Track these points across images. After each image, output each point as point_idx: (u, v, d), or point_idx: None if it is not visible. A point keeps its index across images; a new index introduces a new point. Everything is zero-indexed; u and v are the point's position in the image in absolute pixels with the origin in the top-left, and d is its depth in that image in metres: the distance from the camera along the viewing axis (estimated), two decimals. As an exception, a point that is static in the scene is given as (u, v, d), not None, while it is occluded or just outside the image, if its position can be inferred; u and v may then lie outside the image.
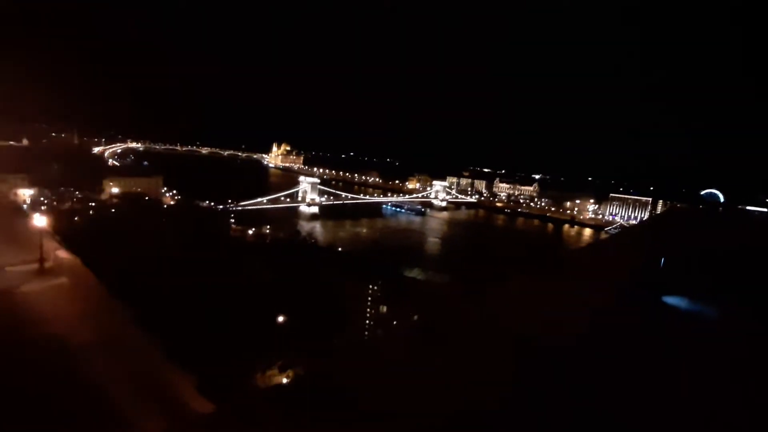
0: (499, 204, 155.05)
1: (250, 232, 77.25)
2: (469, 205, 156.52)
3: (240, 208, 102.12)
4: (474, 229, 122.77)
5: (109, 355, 7.13)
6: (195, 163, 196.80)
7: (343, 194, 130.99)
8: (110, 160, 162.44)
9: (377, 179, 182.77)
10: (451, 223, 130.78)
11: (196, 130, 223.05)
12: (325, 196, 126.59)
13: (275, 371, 24.18)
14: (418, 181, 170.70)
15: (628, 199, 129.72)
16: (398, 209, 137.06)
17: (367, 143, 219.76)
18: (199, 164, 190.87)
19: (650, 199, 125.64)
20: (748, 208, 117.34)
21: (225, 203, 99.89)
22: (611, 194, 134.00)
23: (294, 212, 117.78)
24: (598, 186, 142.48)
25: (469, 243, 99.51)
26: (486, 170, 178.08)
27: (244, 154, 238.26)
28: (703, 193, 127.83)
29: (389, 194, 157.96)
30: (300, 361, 25.16)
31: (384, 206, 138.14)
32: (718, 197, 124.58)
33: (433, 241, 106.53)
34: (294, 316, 35.94)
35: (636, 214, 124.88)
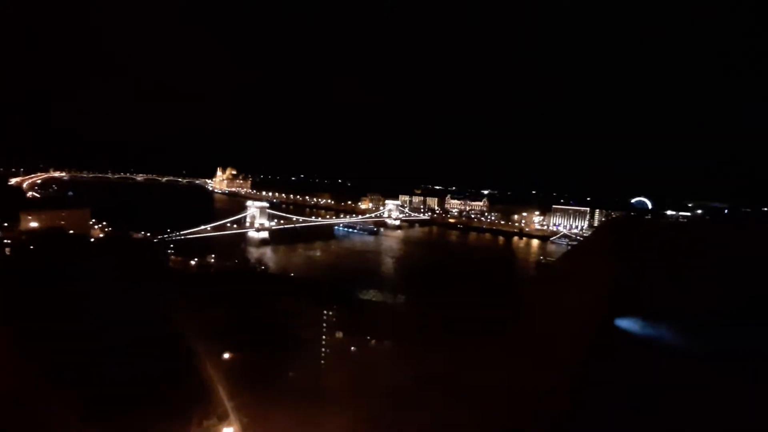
0: (451, 220, 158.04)
1: (193, 262, 71.91)
2: (422, 222, 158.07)
3: (181, 237, 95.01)
4: (429, 245, 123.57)
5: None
6: (129, 191, 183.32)
7: (294, 217, 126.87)
8: (29, 192, 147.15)
9: (329, 201, 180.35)
10: (406, 241, 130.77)
11: (130, 156, 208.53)
12: (275, 221, 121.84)
13: (214, 421, 20.95)
14: (371, 200, 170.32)
15: (568, 209, 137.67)
16: (351, 230, 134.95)
17: (318, 165, 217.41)
18: (134, 192, 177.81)
19: (588, 208, 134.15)
20: (670, 212, 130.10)
21: (163, 233, 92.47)
22: (554, 206, 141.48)
23: (242, 239, 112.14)
24: (541, 198, 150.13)
25: (425, 260, 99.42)
26: (437, 188, 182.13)
27: (185, 180, 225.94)
28: (633, 201, 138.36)
29: (342, 215, 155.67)
30: (245, 406, 22.13)
31: (336, 228, 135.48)
32: (647, 204, 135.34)
33: (388, 261, 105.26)
34: (241, 351, 32.77)
35: (576, 223, 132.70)
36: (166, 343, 25.23)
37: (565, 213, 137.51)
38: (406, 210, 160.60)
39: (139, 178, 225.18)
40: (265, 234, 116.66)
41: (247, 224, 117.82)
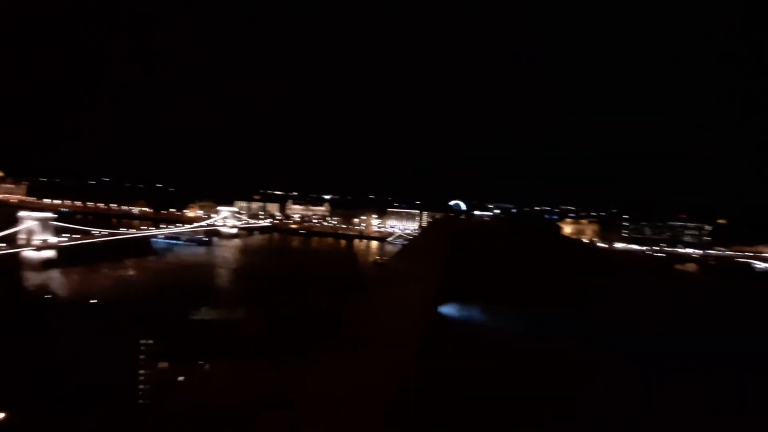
0: (293, 225, 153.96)
1: None
2: (262, 229, 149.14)
3: None
4: (269, 252, 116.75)
5: None
6: None
7: (95, 230, 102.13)
8: None
9: (146, 209, 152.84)
10: (245, 250, 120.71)
11: None
12: (67, 235, 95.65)
13: None
14: (201, 207, 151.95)
15: (401, 212, 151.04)
16: (176, 242, 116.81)
17: (129, 167, 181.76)
18: None
19: (417, 211, 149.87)
20: (478, 212, 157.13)
21: None
22: (389, 209, 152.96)
23: (14, 261, 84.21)
24: (378, 202, 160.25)
25: (266, 268, 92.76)
26: (278, 193, 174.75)
27: None
28: (450, 203, 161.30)
29: (163, 225, 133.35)
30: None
31: (155, 240, 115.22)
32: (461, 206, 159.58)
33: (223, 273, 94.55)
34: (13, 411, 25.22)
35: (409, 225, 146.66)
36: None
37: (399, 215, 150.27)
38: (244, 217, 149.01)
39: None
40: (50, 253, 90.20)
41: (23, 242, 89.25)
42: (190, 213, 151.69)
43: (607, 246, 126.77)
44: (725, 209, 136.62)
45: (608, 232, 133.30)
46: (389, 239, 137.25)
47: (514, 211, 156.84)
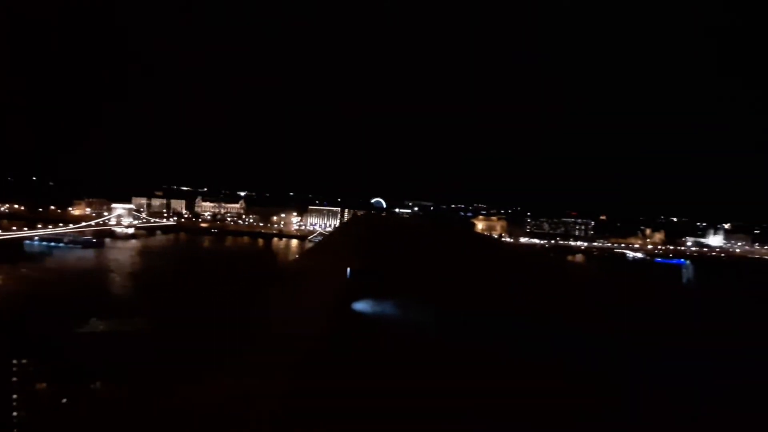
0: (204, 224, 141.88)
1: None
2: (166, 228, 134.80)
3: None
4: (174, 254, 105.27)
5: None
6: None
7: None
8: None
9: (18, 206, 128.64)
10: (144, 252, 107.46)
11: None
12: None
13: None
14: (89, 205, 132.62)
15: (323, 210, 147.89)
16: (56, 244, 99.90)
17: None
18: None
19: (339, 208, 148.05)
20: (398, 210, 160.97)
21: None
22: (309, 206, 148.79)
23: None
24: (298, 200, 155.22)
25: (170, 271, 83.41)
26: (185, 188, 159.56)
27: None
28: (372, 201, 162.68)
29: (41, 226, 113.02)
30: None
31: (29, 242, 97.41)
32: (382, 204, 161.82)
33: (116, 279, 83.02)
34: None
35: (330, 222, 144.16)
36: None
37: (320, 213, 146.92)
38: (144, 215, 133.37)
39: None
40: None
41: None
42: (75, 211, 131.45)
43: (513, 240, 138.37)
44: (605, 207, 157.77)
45: (514, 227, 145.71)
46: (310, 238, 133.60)
47: (432, 208, 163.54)
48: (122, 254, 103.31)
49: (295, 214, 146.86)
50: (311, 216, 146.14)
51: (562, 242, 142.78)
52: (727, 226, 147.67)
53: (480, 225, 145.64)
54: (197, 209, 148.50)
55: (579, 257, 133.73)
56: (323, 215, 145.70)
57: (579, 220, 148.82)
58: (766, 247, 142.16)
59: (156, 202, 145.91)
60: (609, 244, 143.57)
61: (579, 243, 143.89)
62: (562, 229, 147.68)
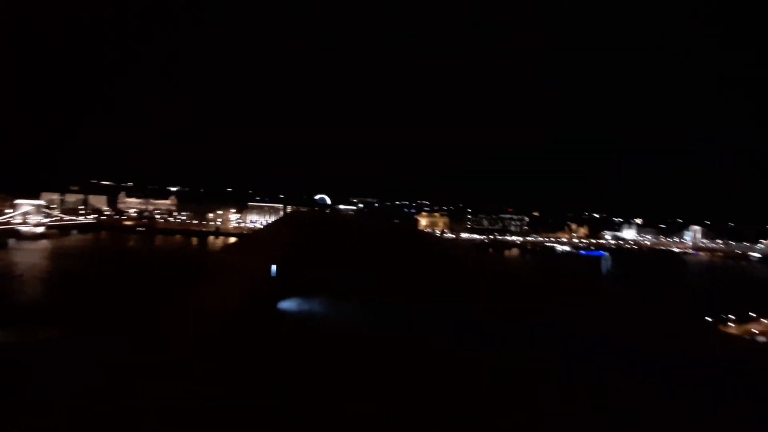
0: (129, 222, 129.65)
1: None
2: (84, 227, 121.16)
3: None
4: (91, 256, 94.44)
5: None
6: None
7: None
8: None
9: None
10: (55, 254, 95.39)
11: None
12: None
13: None
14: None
15: (264, 206, 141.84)
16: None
17: None
18: None
19: (282, 205, 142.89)
20: (343, 207, 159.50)
21: None
22: (249, 203, 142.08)
23: None
24: (237, 196, 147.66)
25: (79, 275, 74.40)
26: (106, 183, 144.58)
27: None
28: (316, 197, 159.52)
29: None
30: None
31: None
32: (326, 200, 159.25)
33: (20, 284, 72.63)
34: None
35: (271, 219, 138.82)
36: None
37: (261, 210, 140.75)
38: (56, 213, 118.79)
39: None
40: None
41: None
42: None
43: (454, 236, 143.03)
44: (538, 204, 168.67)
45: (456, 223, 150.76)
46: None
47: (376, 205, 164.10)
48: (29, 256, 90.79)
49: (233, 210, 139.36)
50: (251, 213, 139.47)
51: (499, 237, 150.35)
52: (638, 221, 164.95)
53: (423, 221, 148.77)
54: (121, 206, 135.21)
55: (515, 251, 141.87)
56: (264, 212, 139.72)
57: (515, 217, 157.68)
58: (668, 239, 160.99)
59: (71, 198, 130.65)
60: (541, 239, 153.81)
61: (515, 238, 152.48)
62: (500, 224, 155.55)
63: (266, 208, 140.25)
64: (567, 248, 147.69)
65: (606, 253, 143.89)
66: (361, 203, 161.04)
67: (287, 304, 4.87)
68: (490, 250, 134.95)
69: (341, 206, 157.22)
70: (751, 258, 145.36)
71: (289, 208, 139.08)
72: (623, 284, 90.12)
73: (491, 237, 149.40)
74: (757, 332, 57.37)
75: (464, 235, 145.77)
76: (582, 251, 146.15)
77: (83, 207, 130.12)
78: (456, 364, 3.59)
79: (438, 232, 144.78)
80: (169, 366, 3.41)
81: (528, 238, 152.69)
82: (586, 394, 3.17)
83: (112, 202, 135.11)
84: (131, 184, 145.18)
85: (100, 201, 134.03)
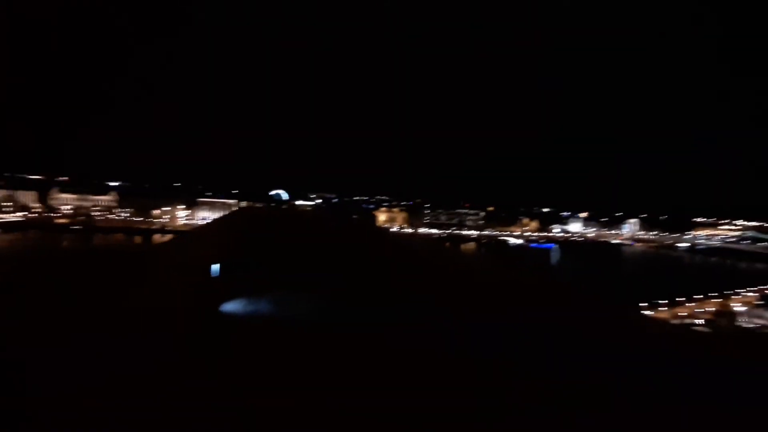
0: (63, 220, 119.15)
1: None
2: (8, 226, 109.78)
3: None
4: (10, 258, 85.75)
5: None
6: None
7: None
8: None
9: None
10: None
11: None
12: None
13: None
14: None
15: (216, 202, 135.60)
16: None
17: None
18: None
19: (235, 201, 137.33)
20: (301, 202, 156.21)
21: None
22: (199, 199, 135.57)
23: None
24: (187, 191, 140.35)
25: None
26: (35, 177, 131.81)
27: None
28: (271, 193, 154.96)
29: None
30: None
31: None
32: (282, 196, 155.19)
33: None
34: None
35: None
36: None
37: (212, 206, 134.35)
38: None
39: None
40: None
41: None
42: None
43: (413, 231, 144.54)
44: (493, 199, 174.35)
45: (414, 218, 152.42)
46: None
47: (335, 200, 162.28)
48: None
49: (182, 207, 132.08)
50: (202, 209, 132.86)
51: (456, 232, 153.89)
52: (583, 215, 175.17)
53: (382, 217, 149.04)
54: (53, 202, 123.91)
55: (471, 245, 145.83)
56: (216, 208, 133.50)
57: (471, 211, 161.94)
58: (610, 232, 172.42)
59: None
60: (495, 233, 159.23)
61: (471, 232, 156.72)
62: (457, 219, 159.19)
63: (218, 204, 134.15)
64: (519, 241, 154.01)
65: (554, 246, 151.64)
66: (320, 199, 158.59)
67: (229, 306, 4.51)
68: (447, 244, 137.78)
69: (299, 202, 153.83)
70: (679, 248, 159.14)
71: (244, 204, 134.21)
72: (565, 275, 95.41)
73: (449, 231, 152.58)
74: (684, 315, 62.81)
75: (422, 230, 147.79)
76: (532, 244, 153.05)
77: (10, 204, 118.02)
78: (399, 356, 3.52)
79: (397, 228, 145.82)
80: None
81: (483, 232, 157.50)
82: (509, 376, 3.27)
83: (44, 198, 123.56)
84: (66, 178, 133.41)
85: (28, 197, 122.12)
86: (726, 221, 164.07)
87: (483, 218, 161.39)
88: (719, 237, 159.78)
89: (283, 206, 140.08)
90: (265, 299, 4.68)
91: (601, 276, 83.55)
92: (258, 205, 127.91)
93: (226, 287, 4.77)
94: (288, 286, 5.10)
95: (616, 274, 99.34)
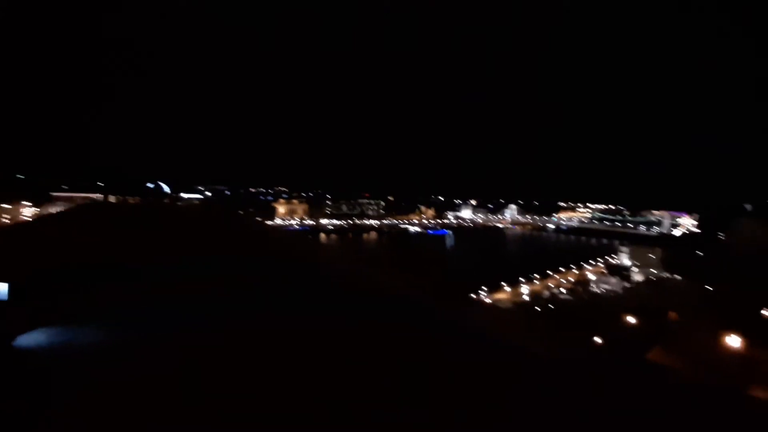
0: None
1: None
2: None
3: None
4: None
5: None
6: None
7: None
8: None
9: None
10: None
11: None
12: None
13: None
14: None
15: (75, 197, 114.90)
16: None
17: None
18: None
19: (101, 195, 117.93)
20: (186, 195, 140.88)
21: None
22: (53, 193, 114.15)
23: None
24: (35, 185, 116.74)
25: None
26: None
27: None
28: (149, 185, 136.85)
29: None
30: None
31: None
32: (163, 188, 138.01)
33: None
34: None
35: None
36: None
37: (71, 201, 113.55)
38: None
39: None
40: None
41: None
42: None
43: (314, 222, 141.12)
44: (392, 189, 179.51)
45: (315, 210, 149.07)
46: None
47: (227, 192, 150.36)
48: None
49: (29, 204, 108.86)
50: (56, 206, 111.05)
51: (358, 222, 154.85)
52: (473, 202, 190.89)
53: (281, 209, 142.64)
54: None
55: (373, 234, 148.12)
56: (74, 203, 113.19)
57: (372, 201, 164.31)
58: (495, 217, 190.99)
59: None
60: (396, 221, 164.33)
61: (372, 222, 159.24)
62: (358, 210, 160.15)
63: (78, 200, 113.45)
64: (418, 229, 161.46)
65: (449, 231, 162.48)
66: (209, 191, 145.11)
67: (24, 340, 3.62)
68: (350, 235, 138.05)
69: (184, 195, 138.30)
70: (548, 229, 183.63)
71: (111, 199, 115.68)
72: (455, 259, 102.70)
73: (350, 222, 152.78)
74: (552, 285, 72.13)
75: (324, 221, 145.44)
76: (429, 231, 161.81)
77: None
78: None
79: (297, 220, 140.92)
80: None
81: (384, 221, 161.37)
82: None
83: None
84: None
85: None
86: (581, 204, 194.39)
87: (383, 207, 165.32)
88: (576, 218, 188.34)
89: (163, 200, 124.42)
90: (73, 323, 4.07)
91: (485, 257, 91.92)
92: (131, 199, 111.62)
93: (18, 314, 3.82)
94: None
95: (499, 254, 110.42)
